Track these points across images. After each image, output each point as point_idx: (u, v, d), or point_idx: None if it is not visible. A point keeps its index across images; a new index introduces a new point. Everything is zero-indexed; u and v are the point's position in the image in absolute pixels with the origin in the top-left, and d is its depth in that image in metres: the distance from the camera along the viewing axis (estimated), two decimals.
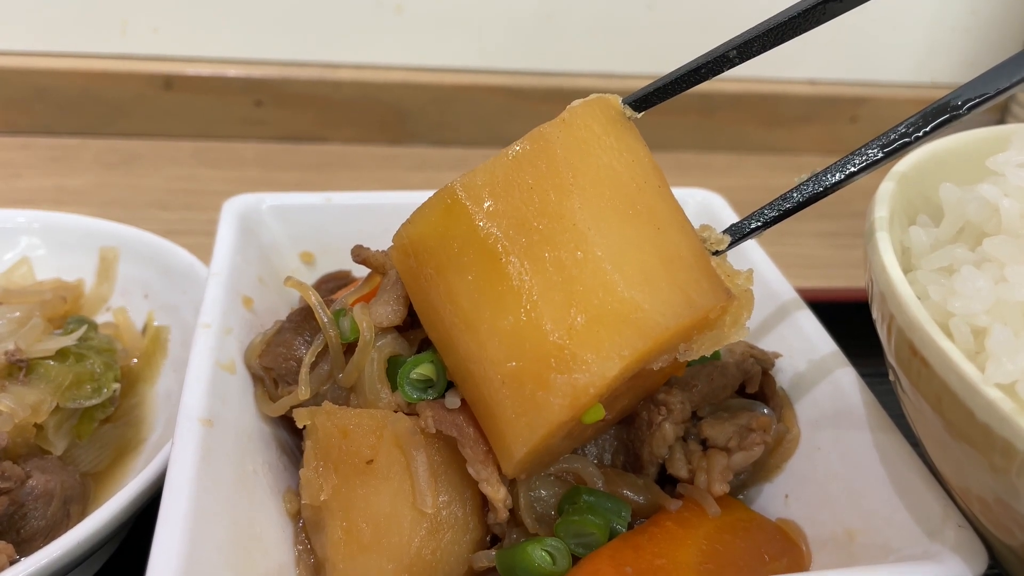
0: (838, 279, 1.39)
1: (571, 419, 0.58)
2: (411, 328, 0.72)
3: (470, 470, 0.64)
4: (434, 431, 0.64)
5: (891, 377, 0.68)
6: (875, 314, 0.67)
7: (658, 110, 1.83)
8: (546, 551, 0.63)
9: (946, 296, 0.59)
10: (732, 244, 0.70)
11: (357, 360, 0.69)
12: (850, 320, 0.85)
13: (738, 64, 0.70)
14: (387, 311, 0.70)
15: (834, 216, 1.59)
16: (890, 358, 0.64)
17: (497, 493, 0.63)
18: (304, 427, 0.68)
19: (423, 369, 0.67)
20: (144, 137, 1.61)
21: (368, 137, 1.66)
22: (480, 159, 1.78)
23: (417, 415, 0.67)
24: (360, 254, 0.76)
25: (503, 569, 0.64)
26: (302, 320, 0.74)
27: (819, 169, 0.71)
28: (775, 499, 0.76)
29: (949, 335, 0.57)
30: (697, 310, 0.60)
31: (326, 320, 0.70)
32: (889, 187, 0.74)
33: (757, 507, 0.76)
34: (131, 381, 0.88)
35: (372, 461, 0.64)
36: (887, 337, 0.63)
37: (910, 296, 0.59)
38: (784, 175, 1.71)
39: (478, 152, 1.67)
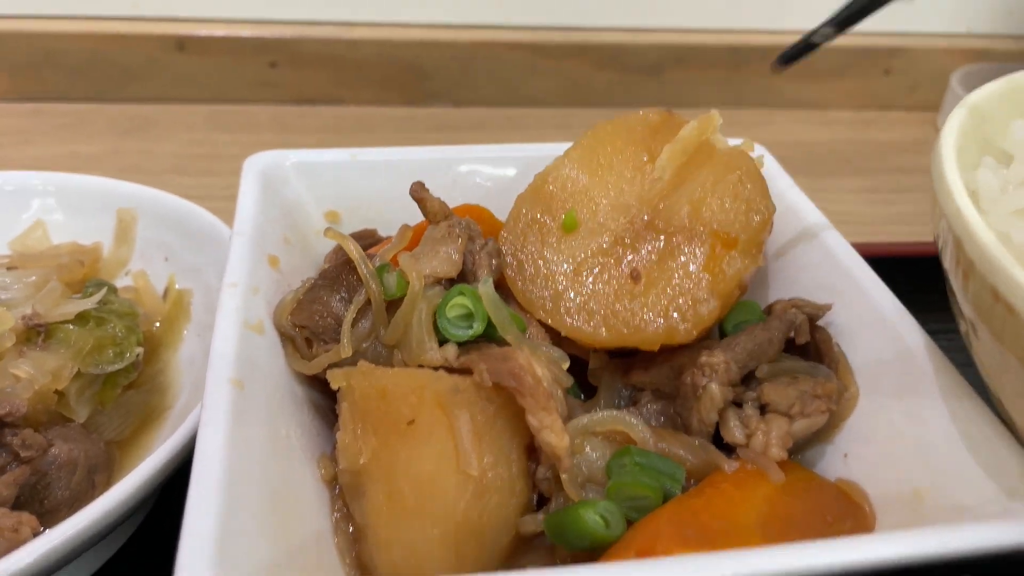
0: (876, 235, 1.34)
1: None
2: (460, 281, 0.69)
3: (530, 419, 0.61)
4: (490, 384, 0.61)
5: (963, 329, 0.64)
6: (947, 262, 0.63)
7: (682, 65, 1.78)
8: (599, 514, 0.59)
9: None
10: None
11: (404, 312, 0.66)
12: (893, 277, 0.81)
13: None
14: (441, 262, 0.68)
15: (870, 172, 1.54)
16: (965, 308, 0.60)
17: (562, 440, 0.60)
18: (338, 389, 0.65)
19: (460, 300, 0.65)
20: (158, 102, 1.57)
21: (386, 98, 1.61)
22: (501, 119, 1.73)
23: (460, 373, 0.64)
24: (419, 193, 0.75)
25: (553, 534, 0.61)
26: (337, 276, 0.70)
27: None
28: (833, 459, 0.72)
29: None
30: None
31: (369, 274, 0.67)
32: (953, 128, 0.69)
33: (814, 468, 0.72)
34: (153, 346, 0.85)
35: (413, 422, 0.61)
36: (963, 285, 0.59)
37: (991, 239, 0.55)
38: (817, 130, 1.67)
39: (499, 112, 1.63)
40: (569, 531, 0.60)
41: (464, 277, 0.72)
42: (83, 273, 0.87)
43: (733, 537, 0.58)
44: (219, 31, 1.52)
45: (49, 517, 0.67)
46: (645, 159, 0.78)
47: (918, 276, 0.82)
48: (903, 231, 1.35)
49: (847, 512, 0.65)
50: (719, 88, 1.67)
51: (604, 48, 1.61)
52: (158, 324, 0.87)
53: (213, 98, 1.58)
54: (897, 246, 1.15)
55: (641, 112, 0.80)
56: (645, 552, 0.55)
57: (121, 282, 0.90)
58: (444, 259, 0.69)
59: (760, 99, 1.70)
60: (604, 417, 0.67)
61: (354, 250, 0.69)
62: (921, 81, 1.70)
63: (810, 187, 1.05)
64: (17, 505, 0.65)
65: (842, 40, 1.67)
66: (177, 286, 0.89)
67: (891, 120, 1.70)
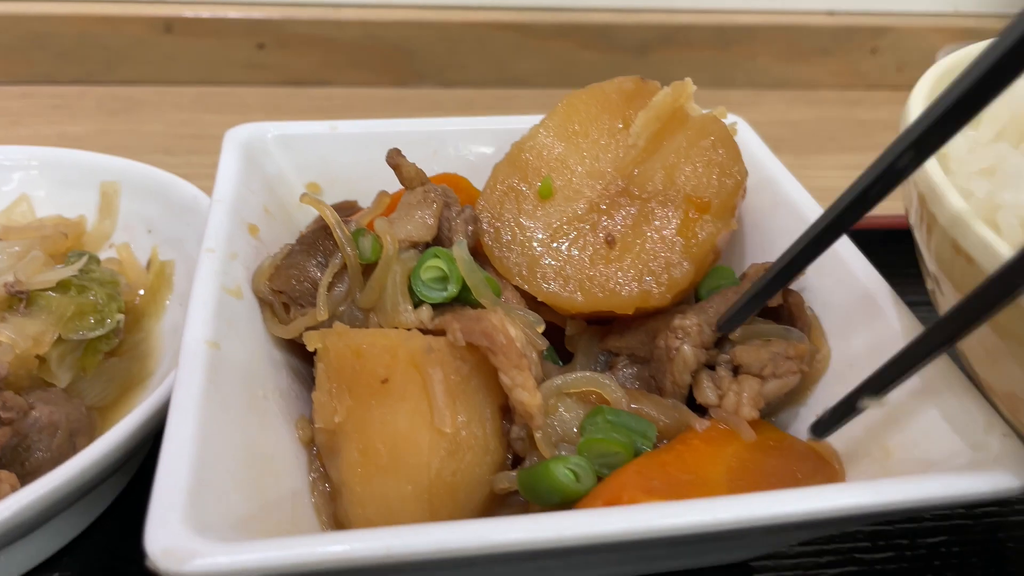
0: None
1: None
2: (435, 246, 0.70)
3: (503, 378, 0.61)
4: (463, 343, 0.62)
5: (929, 287, 0.65)
6: (912, 218, 0.64)
7: (670, 44, 1.78)
8: (570, 469, 0.60)
9: (993, 191, 0.56)
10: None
11: (379, 275, 0.67)
12: (875, 250, 0.82)
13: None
14: (416, 226, 0.69)
15: (856, 149, 1.55)
16: (929, 264, 0.61)
17: (534, 399, 0.61)
18: (315, 351, 0.65)
19: (434, 263, 0.65)
20: (146, 83, 1.57)
21: (373, 79, 1.62)
22: (489, 100, 1.72)
23: (434, 334, 0.64)
24: (395, 159, 0.75)
25: (525, 489, 0.62)
26: (314, 241, 0.71)
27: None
28: (806, 420, 0.72)
29: (996, 230, 0.54)
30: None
31: (344, 238, 0.68)
32: (921, 93, 0.70)
33: (787, 429, 0.73)
34: (136, 316, 0.86)
35: (387, 380, 0.61)
36: (927, 240, 0.60)
37: (952, 192, 0.56)
38: (803, 109, 1.68)
39: (487, 93, 1.63)
40: (540, 486, 0.61)
41: (440, 242, 0.73)
42: (67, 245, 0.88)
43: (700, 489, 0.59)
44: (206, 12, 1.52)
45: (30, 479, 0.66)
46: (620, 126, 0.78)
47: (897, 249, 0.83)
48: (889, 207, 1.35)
49: (816, 468, 0.66)
50: (706, 68, 1.68)
51: (591, 28, 1.61)
52: (141, 294, 0.87)
53: (201, 80, 1.58)
54: (877, 219, 1.15)
55: (616, 80, 0.81)
56: (612, 502, 0.56)
57: (105, 254, 0.91)
58: (419, 224, 0.70)
59: (747, 79, 1.70)
60: (578, 378, 0.67)
61: (330, 215, 0.69)
62: (908, 60, 1.71)
63: (796, 164, 1.07)
64: None
65: (829, 19, 1.68)
66: (160, 258, 0.90)
67: (878, 99, 1.70)
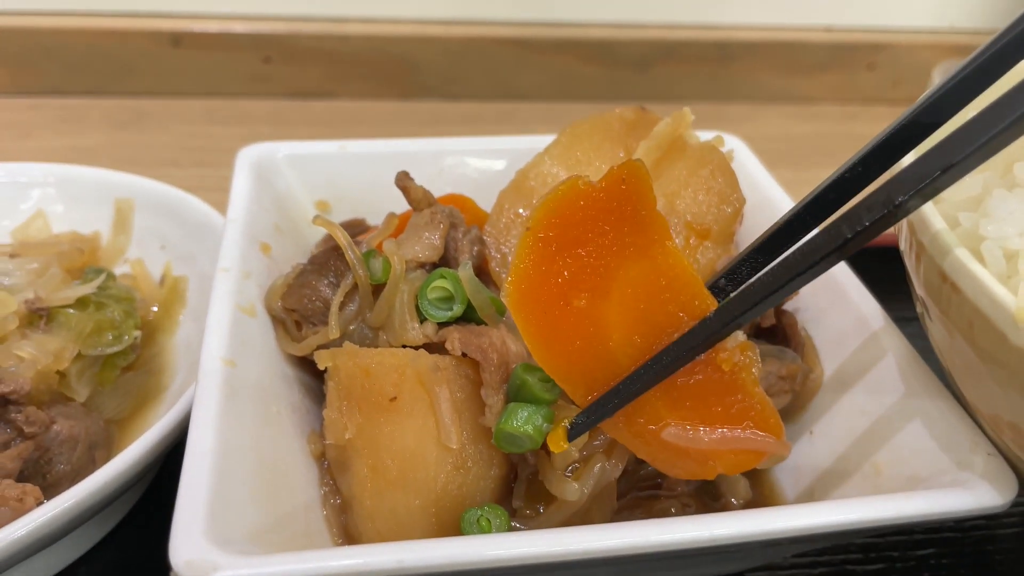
0: None
1: None
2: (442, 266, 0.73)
3: (482, 393, 0.64)
4: (459, 352, 0.64)
5: (919, 310, 0.67)
6: (903, 245, 0.66)
7: (670, 59, 1.80)
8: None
9: (977, 221, 0.58)
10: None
11: (388, 295, 0.69)
12: (868, 269, 0.84)
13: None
14: (423, 247, 0.71)
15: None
16: (919, 290, 0.63)
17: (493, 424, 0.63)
18: (326, 369, 0.68)
19: (440, 283, 0.68)
20: (154, 96, 1.60)
21: (377, 92, 1.64)
22: (492, 113, 1.73)
23: (440, 346, 0.67)
24: (403, 181, 0.78)
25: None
26: (325, 261, 0.73)
27: None
28: (798, 437, 0.75)
29: (981, 260, 0.57)
30: None
31: (356, 259, 0.70)
32: None
33: None
34: (150, 331, 0.88)
35: (395, 398, 0.64)
36: (915, 267, 0.62)
37: (939, 222, 0.58)
38: (802, 124, 1.70)
39: (489, 106, 1.65)
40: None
41: (447, 262, 0.75)
42: (83, 261, 0.90)
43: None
44: (213, 27, 1.55)
45: (51, 491, 0.69)
46: (621, 155, 0.81)
47: (890, 267, 0.85)
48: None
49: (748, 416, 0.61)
50: (706, 83, 1.70)
51: (592, 43, 1.64)
52: (155, 309, 0.90)
53: (208, 92, 1.60)
54: None
55: (618, 110, 0.83)
56: None
57: (119, 270, 0.93)
58: (426, 244, 0.72)
59: (746, 94, 1.72)
60: None
61: (342, 236, 0.72)
62: (905, 76, 1.73)
63: (794, 179, 1.10)
64: (21, 478, 0.68)
65: (827, 36, 1.71)
66: (173, 273, 0.93)
67: (875, 114, 1.73)
